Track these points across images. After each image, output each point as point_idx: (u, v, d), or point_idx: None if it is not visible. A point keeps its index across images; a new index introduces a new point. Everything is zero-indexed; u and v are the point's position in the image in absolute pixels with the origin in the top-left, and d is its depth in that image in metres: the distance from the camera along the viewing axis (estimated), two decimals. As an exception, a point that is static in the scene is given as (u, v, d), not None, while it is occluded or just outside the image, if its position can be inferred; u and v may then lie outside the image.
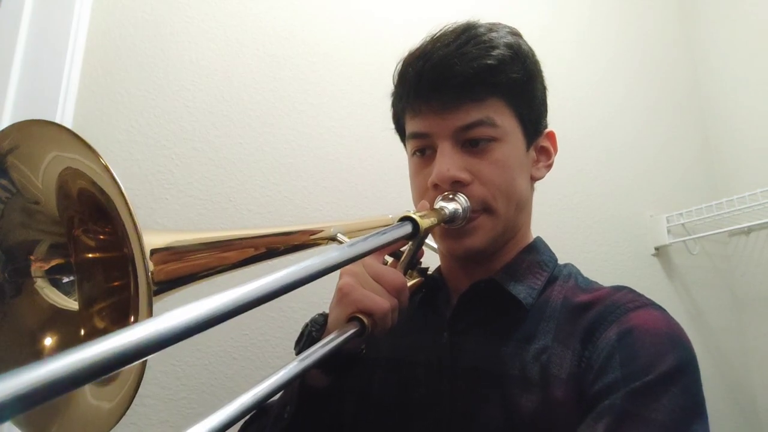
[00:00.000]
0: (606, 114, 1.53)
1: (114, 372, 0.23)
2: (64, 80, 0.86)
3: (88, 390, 0.39)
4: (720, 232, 1.48)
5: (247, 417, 0.67)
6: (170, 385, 0.86)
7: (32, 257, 0.45)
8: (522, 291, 0.63)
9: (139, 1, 0.99)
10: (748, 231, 1.53)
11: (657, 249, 1.49)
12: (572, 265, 0.70)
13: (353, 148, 1.13)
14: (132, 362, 0.23)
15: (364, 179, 1.12)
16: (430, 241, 0.73)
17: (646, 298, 0.59)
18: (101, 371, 0.21)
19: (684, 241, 1.48)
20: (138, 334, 0.23)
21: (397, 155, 1.20)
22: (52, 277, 0.45)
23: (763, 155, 1.52)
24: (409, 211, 0.54)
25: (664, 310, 0.58)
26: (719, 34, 1.70)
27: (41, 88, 0.85)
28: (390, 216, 0.75)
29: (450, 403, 0.60)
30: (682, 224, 1.48)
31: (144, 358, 0.25)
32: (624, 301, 0.58)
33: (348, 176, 1.11)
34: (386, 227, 0.50)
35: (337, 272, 0.56)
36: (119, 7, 0.97)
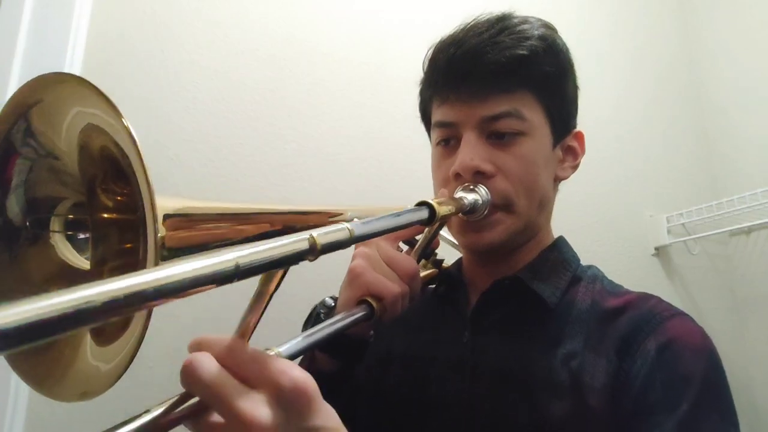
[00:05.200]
0: (604, 114, 1.53)
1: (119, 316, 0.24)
2: (64, 80, 0.86)
3: (88, 348, 0.39)
4: (720, 232, 1.48)
5: None
6: (172, 388, 0.85)
7: (54, 211, 0.45)
8: (546, 290, 0.61)
9: (139, 2, 0.99)
10: (749, 231, 1.53)
11: (657, 249, 1.49)
12: (596, 268, 0.68)
13: (353, 148, 1.12)
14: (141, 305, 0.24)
15: (365, 179, 1.12)
16: (449, 236, 0.71)
17: (677, 308, 0.58)
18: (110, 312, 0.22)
19: (684, 241, 1.48)
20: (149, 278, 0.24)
21: (397, 155, 1.20)
22: (69, 233, 0.45)
23: (764, 155, 1.52)
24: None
25: (694, 320, 0.58)
26: (719, 32, 1.69)
27: (41, 89, 0.85)
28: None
29: (471, 404, 0.58)
30: (682, 224, 1.47)
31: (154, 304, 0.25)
32: (659, 310, 0.57)
33: (348, 176, 1.11)
34: (402, 210, 0.48)
35: (348, 258, 0.55)
36: (119, 8, 0.97)
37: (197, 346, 0.35)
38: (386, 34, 1.21)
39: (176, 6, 1.02)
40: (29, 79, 0.39)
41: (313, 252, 0.35)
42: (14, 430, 0.75)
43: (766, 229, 1.48)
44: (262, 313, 0.36)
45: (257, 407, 0.31)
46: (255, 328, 0.35)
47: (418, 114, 0.72)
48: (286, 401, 0.32)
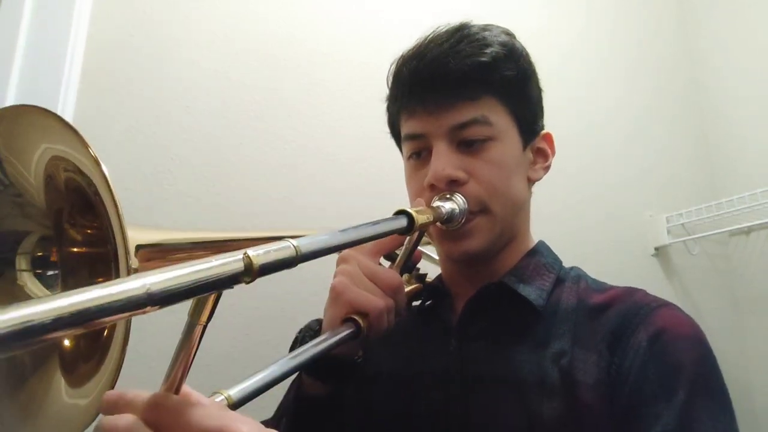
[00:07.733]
0: (604, 113, 1.53)
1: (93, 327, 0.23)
2: (64, 81, 0.86)
3: (63, 388, 0.38)
4: (720, 232, 1.48)
5: None
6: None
7: (19, 248, 0.43)
8: (532, 292, 0.61)
9: (139, 2, 0.99)
10: (748, 231, 1.53)
11: (657, 249, 1.49)
12: (578, 268, 0.69)
13: (353, 148, 1.12)
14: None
15: (364, 179, 1.12)
16: (431, 252, 0.70)
17: (664, 299, 0.59)
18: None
19: (684, 241, 1.48)
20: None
21: (397, 155, 1.20)
22: (36, 270, 0.44)
23: (764, 155, 1.52)
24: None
25: (682, 309, 0.58)
26: (718, 32, 1.69)
27: (41, 89, 0.85)
28: None
29: (463, 412, 0.58)
30: (682, 224, 1.48)
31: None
32: (646, 301, 0.57)
33: (348, 176, 1.11)
34: (380, 219, 0.47)
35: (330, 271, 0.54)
36: (119, 8, 0.97)
37: (113, 407, 0.32)
38: (386, 34, 1.21)
39: (176, 6, 1.02)
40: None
41: (249, 273, 0.31)
42: (14, 430, 0.75)
43: (766, 229, 1.48)
44: (194, 354, 0.32)
45: None
46: (186, 376, 0.32)
47: None
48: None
